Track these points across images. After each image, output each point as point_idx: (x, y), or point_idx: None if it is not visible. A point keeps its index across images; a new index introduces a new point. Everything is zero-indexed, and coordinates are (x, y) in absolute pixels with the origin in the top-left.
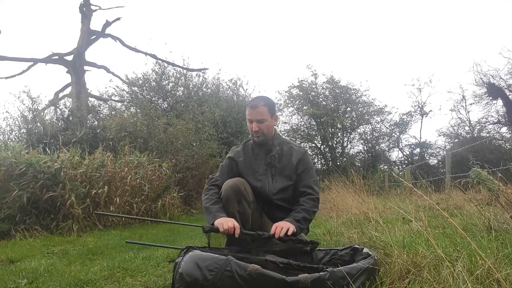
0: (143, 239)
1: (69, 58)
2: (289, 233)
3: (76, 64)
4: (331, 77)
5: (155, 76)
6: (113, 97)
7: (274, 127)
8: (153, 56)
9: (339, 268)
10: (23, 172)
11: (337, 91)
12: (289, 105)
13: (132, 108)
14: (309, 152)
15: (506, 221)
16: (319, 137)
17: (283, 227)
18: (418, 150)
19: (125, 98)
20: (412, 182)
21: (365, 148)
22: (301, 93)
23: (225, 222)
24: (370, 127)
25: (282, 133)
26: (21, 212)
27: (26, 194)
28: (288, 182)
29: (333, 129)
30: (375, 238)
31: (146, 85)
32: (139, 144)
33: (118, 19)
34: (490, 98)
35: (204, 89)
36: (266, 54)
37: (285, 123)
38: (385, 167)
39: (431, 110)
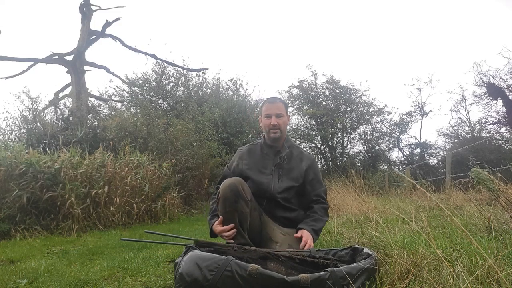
0: (143, 239)
1: (69, 58)
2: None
3: (76, 64)
4: (331, 77)
5: (155, 76)
6: (113, 97)
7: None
8: (153, 56)
9: (339, 268)
10: (23, 172)
11: (337, 91)
12: (289, 105)
13: (132, 108)
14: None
15: (506, 221)
16: (319, 137)
17: (309, 243)
18: (418, 150)
19: (125, 98)
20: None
21: (365, 148)
22: (301, 93)
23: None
24: (370, 127)
25: None
26: (21, 212)
27: (26, 194)
28: (294, 183)
29: (333, 129)
30: (375, 238)
31: (146, 85)
32: (139, 144)
33: (118, 19)
34: (490, 98)
35: (204, 89)
36: (266, 54)
37: None
38: (385, 167)
39: (431, 110)
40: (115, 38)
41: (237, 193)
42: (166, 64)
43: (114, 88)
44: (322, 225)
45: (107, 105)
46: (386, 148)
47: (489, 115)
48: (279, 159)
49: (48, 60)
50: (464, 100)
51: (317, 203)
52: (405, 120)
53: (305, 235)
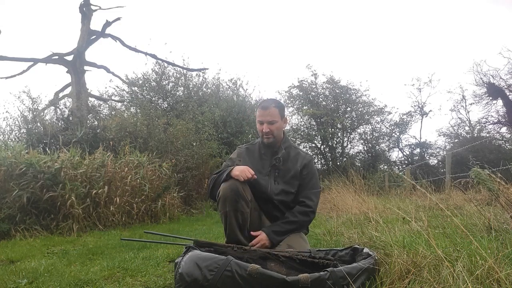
0: (143, 239)
1: (69, 58)
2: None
3: (76, 64)
4: (331, 77)
5: (155, 76)
6: (113, 97)
7: (283, 129)
8: (153, 56)
9: (339, 268)
10: (23, 172)
11: (337, 91)
12: (289, 105)
13: (132, 108)
14: (309, 152)
15: (506, 221)
16: (319, 137)
17: (258, 246)
18: (418, 150)
19: (125, 98)
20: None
21: (365, 148)
22: (301, 93)
23: (242, 172)
24: (370, 127)
25: None
26: (21, 212)
27: (26, 194)
28: (289, 187)
29: (333, 129)
30: (375, 238)
31: (146, 85)
32: (139, 144)
33: (118, 19)
34: (490, 98)
35: (204, 89)
36: (266, 54)
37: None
38: (385, 167)
39: (431, 110)
40: (115, 38)
41: (238, 193)
42: (166, 64)
43: (114, 88)
44: (292, 228)
45: (107, 105)
46: (386, 148)
47: (489, 115)
48: (275, 161)
49: (48, 60)
50: (464, 100)
51: (301, 205)
52: (405, 120)
53: (259, 238)
